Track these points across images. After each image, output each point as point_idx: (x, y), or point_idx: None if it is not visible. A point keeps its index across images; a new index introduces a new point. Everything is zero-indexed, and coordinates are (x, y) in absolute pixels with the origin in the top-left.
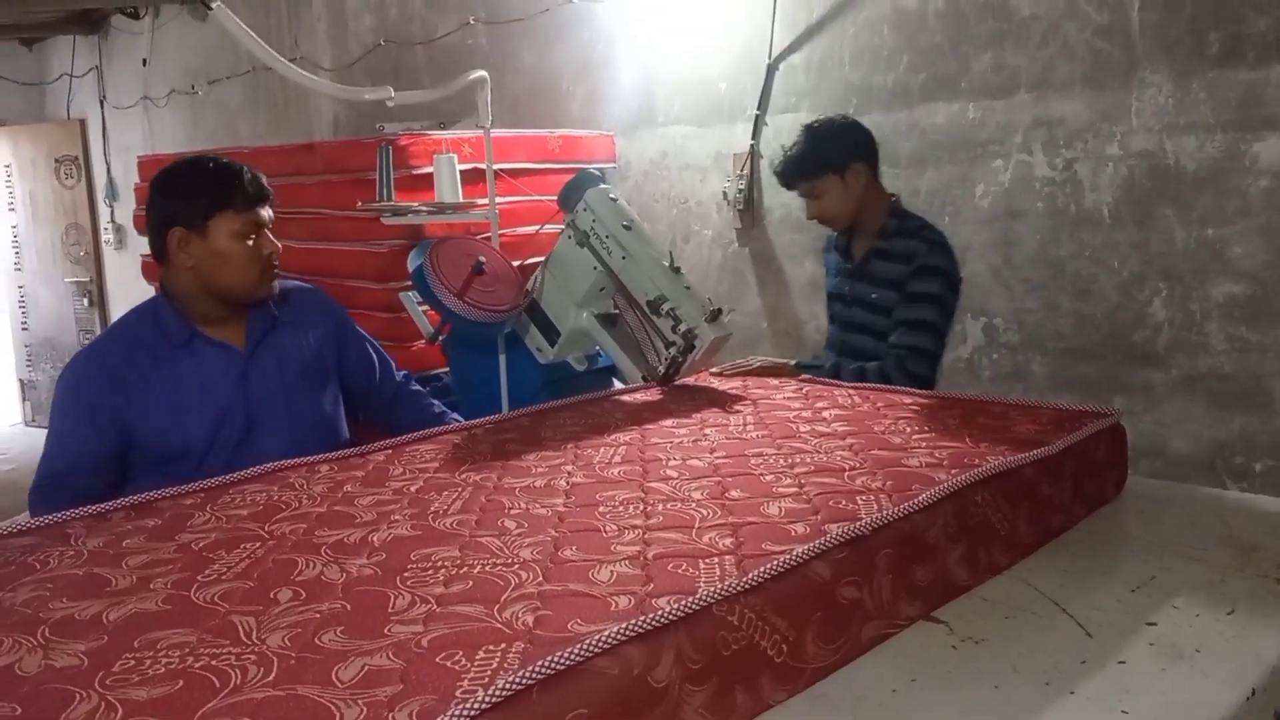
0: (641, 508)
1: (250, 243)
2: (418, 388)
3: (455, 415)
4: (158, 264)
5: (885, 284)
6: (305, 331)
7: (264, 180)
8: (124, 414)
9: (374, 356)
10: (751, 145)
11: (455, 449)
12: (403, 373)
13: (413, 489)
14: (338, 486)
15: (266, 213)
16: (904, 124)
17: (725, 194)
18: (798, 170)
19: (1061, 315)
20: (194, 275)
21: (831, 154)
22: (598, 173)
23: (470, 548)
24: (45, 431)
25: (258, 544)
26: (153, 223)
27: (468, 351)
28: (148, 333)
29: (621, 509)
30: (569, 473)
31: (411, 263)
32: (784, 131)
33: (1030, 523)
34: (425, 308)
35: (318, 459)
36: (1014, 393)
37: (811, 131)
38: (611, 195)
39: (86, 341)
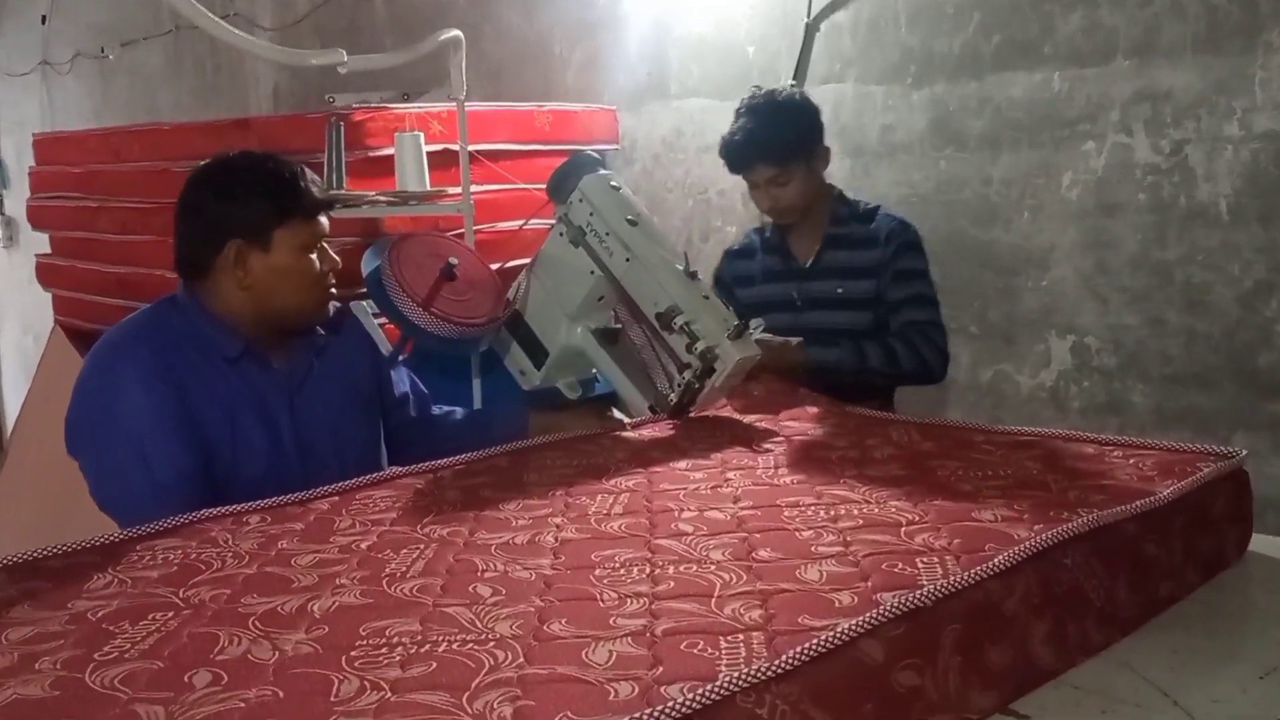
0: (648, 571)
1: (312, 258)
2: (449, 412)
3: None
4: (189, 277)
5: (853, 274)
6: (350, 359)
7: (320, 183)
8: (194, 425)
9: (408, 387)
10: None
11: (417, 496)
12: (441, 408)
13: (363, 546)
14: (271, 542)
15: (326, 222)
16: (973, 98)
17: None
18: (779, 153)
19: (1169, 333)
20: (248, 296)
21: (808, 136)
22: (596, 156)
23: (434, 620)
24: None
25: (170, 614)
26: (197, 230)
27: (434, 375)
28: (193, 337)
29: (623, 572)
30: (558, 526)
31: (366, 265)
32: (826, 106)
33: (1132, 592)
34: (382, 320)
35: (245, 507)
36: (1110, 429)
37: (783, 108)
38: (613, 183)
39: None
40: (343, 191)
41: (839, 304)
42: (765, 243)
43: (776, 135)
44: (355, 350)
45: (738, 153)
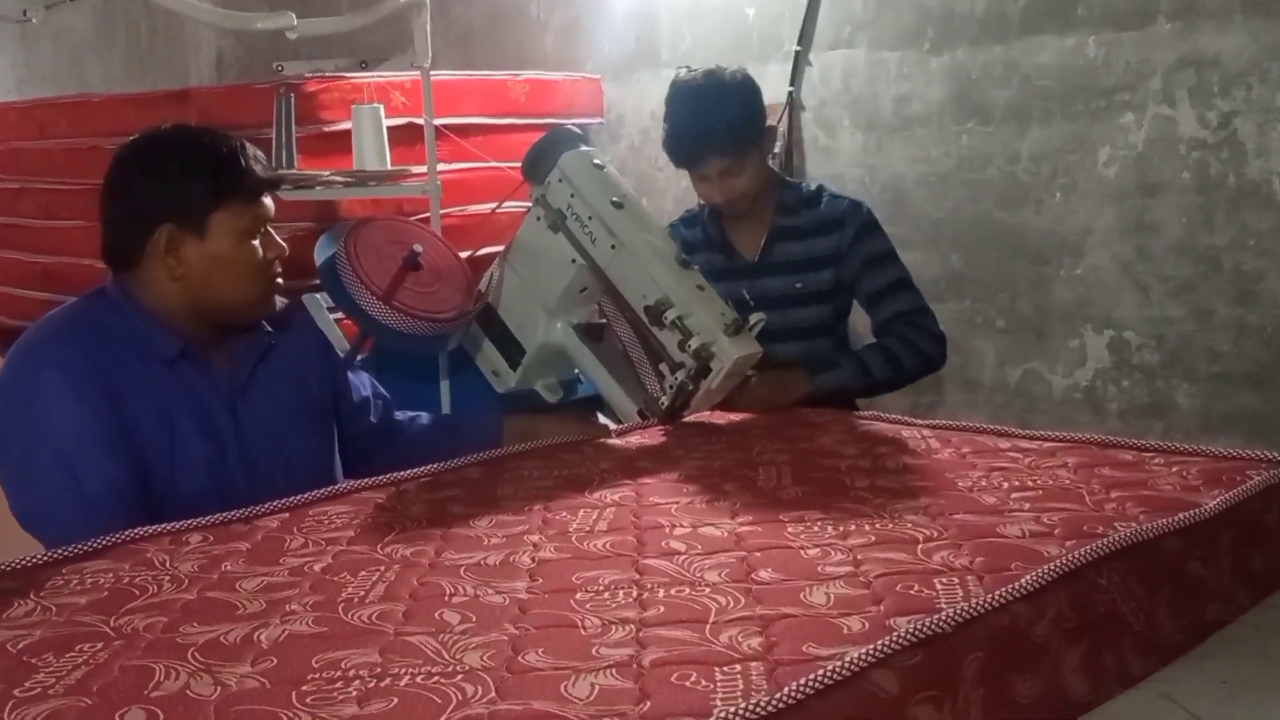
0: (635, 594)
1: (255, 244)
2: (414, 418)
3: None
4: (118, 267)
5: (811, 265)
6: (299, 360)
7: (265, 159)
8: (127, 434)
9: (368, 390)
10: (790, 93)
11: (378, 512)
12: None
13: (317, 568)
14: (213, 564)
15: (270, 203)
16: (999, 65)
17: None
18: (734, 143)
19: (1217, 327)
20: (182, 288)
21: (759, 119)
22: (578, 131)
23: (396, 650)
24: None
25: (100, 645)
26: (125, 214)
27: (397, 376)
28: (125, 335)
29: (607, 596)
30: (535, 545)
31: (320, 253)
32: (835, 74)
33: (1175, 615)
34: (338, 316)
35: (184, 525)
36: (1152, 433)
37: (729, 91)
38: (596, 161)
39: None
40: (293, 171)
41: (797, 300)
42: (706, 238)
43: (728, 123)
44: (306, 349)
45: (688, 147)
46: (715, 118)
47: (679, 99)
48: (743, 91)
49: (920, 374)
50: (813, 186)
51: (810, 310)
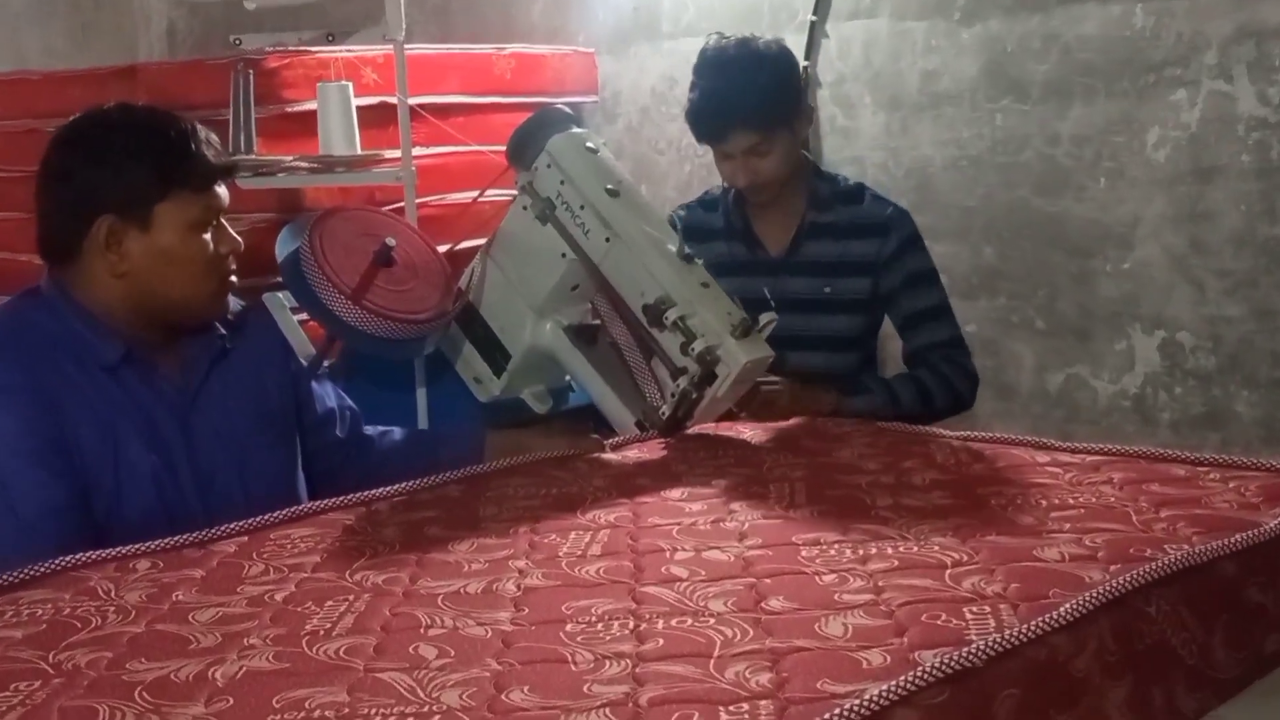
0: (632, 625)
1: (205, 238)
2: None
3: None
4: (54, 261)
5: (844, 270)
6: (258, 366)
7: (219, 144)
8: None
9: (334, 401)
10: (805, 68)
11: (346, 535)
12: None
13: (278, 597)
14: (163, 593)
15: (224, 193)
16: (1037, 36)
17: None
18: (763, 117)
19: (1279, 327)
20: (124, 286)
21: (794, 94)
22: (569, 110)
23: (365, 689)
24: None
25: (37, 683)
26: (62, 203)
27: (368, 383)
28: (63, 338)
29: (601, 627)
30: (521, 571)
31: (282, 247)
32: (856, 47)
33: (1232, 646)
34: (302, 317)
35: (131, 550)
36: (1208, 446)
37: (763, 61)
38: (589, 144)
39: None
40: (252, 156)
41: (826, 307)
42: (727, 225)
43: (758, 95)
44: (266, 354)
45: (712, 119)
46: (744, 88)
47: (706, 67)
48: (777, 63)
49: (948, 413)
50: (851, 181)
51: (839, 320)
